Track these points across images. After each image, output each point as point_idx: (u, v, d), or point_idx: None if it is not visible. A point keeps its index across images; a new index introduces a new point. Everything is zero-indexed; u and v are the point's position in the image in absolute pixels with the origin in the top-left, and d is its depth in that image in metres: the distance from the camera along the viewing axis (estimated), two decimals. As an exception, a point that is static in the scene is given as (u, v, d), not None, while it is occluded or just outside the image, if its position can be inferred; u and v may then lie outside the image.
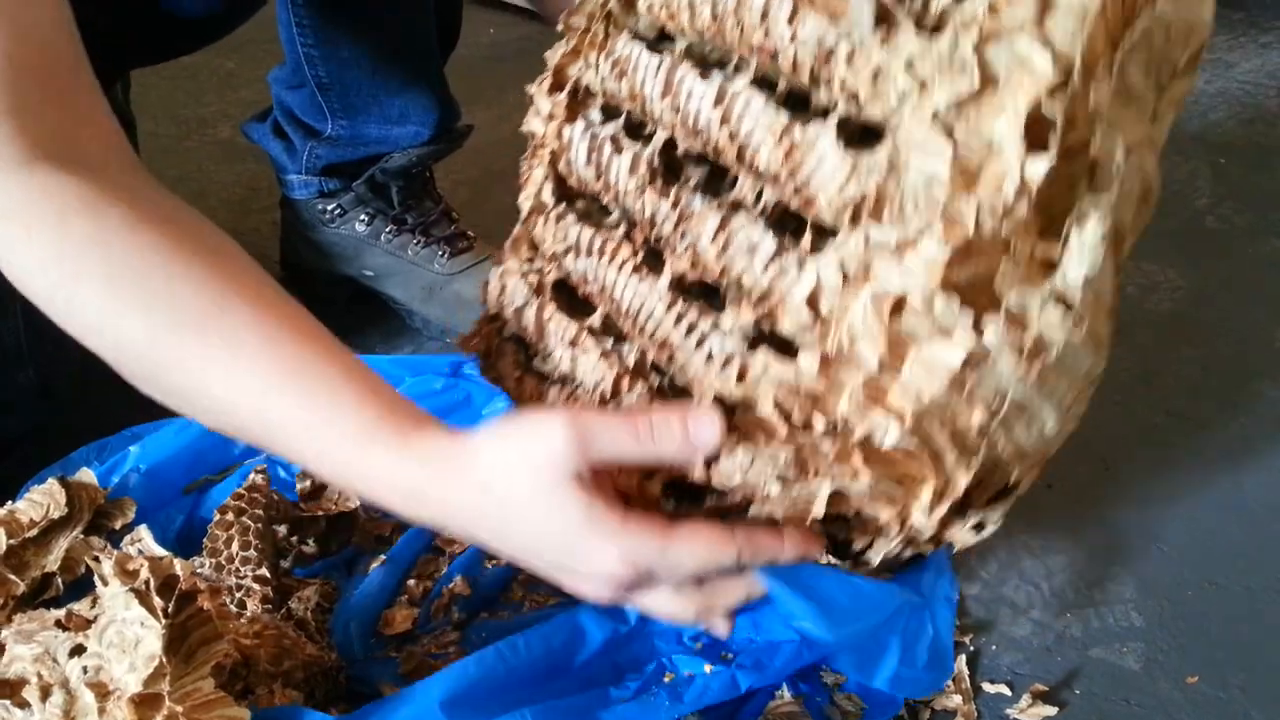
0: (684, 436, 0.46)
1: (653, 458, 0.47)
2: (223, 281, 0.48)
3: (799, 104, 0.47)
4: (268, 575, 0.63)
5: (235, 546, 0.62)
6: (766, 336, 0.49)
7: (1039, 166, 0.43)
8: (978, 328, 0.46)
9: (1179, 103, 0.50)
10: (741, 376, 0.48)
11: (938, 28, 0.43)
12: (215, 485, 0.73)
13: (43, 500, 0.62)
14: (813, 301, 0.46)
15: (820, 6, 0.45)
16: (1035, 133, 0.43)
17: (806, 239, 0.47)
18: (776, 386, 0.48)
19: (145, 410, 0.54)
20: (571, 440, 0.45)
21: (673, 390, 0.51)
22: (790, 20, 0.46)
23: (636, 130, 0.55)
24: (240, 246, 0.53)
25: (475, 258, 1.00)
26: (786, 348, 0.48)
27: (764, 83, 0.49)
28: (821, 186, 0.46)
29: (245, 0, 0.87)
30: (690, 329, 0.50)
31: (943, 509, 0.52)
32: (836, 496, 0.50)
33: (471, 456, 0.47)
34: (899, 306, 0.45)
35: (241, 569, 0.62)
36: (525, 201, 0.60)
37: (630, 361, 0.53)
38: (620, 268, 0.53)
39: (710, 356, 0.49)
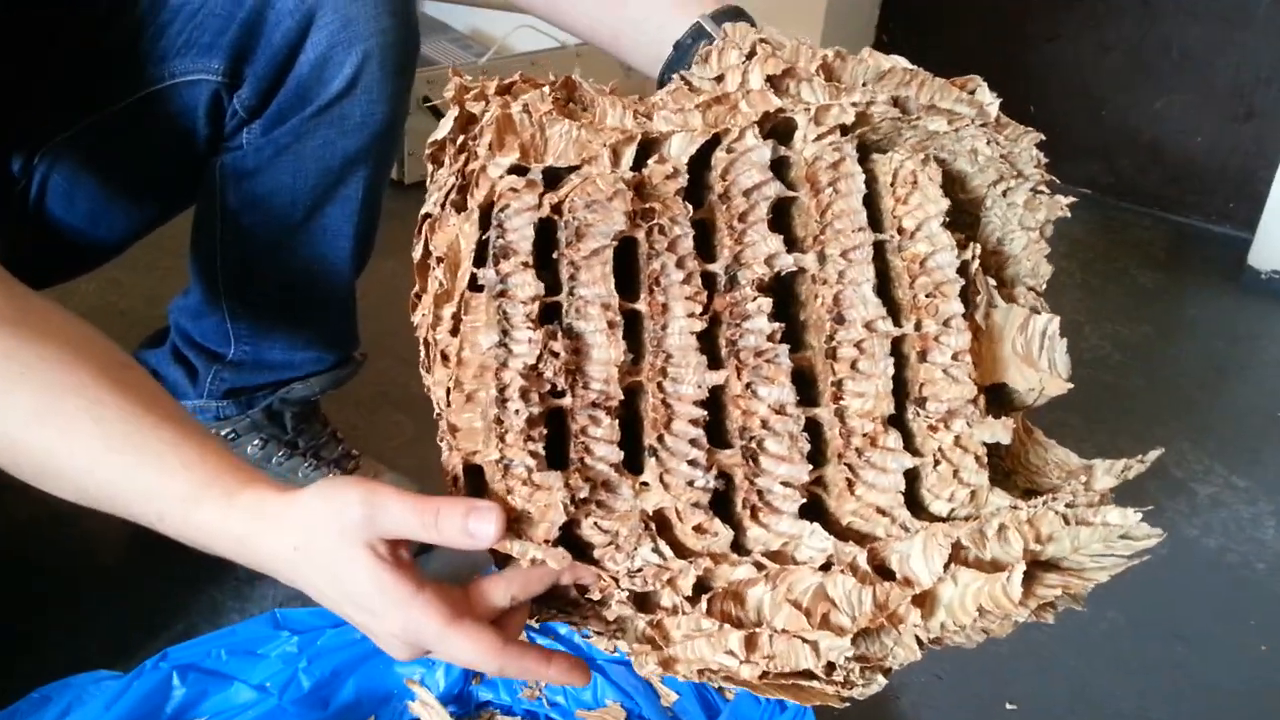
0: (464, 529, 0.49)
1: (436, 541, 0.50)
2: (72, 361, 0.53)
3: (898, 398, 0.56)
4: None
5: None
6: (726, 505, 0.54)
7: (950, 629, 0.52)
8: (829, 668, 0.52)
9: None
10: (699, 531, 0.52)
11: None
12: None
13: None
14: (787, 545, 0.53)
15: (975, 354, 0.57)
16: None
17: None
18: (709, 558, 0.52)
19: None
20: (362, 515, 0.49)
21: (630, 444, 0.53)
22: (955, 355, 0.56)
23: (788, 221, 0.58)
24: (87, 325, 0.57)
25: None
26: (735, 542, 0.53)
27: (898, 350, 0.57)
28: (865, 491, 0.54)
29: (156, 222, 0.93)
30: (695, 440, 0.53)
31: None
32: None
33: (288, 516, 0.51)
34: (825, 616, 0.52)
35: None
36: (662, 121, 0.58)
37: (627, 382, 0.53)
38: (689, 315, 0.54)
39: (692, 483, 0.53)
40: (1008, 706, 0.91)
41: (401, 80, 0.87)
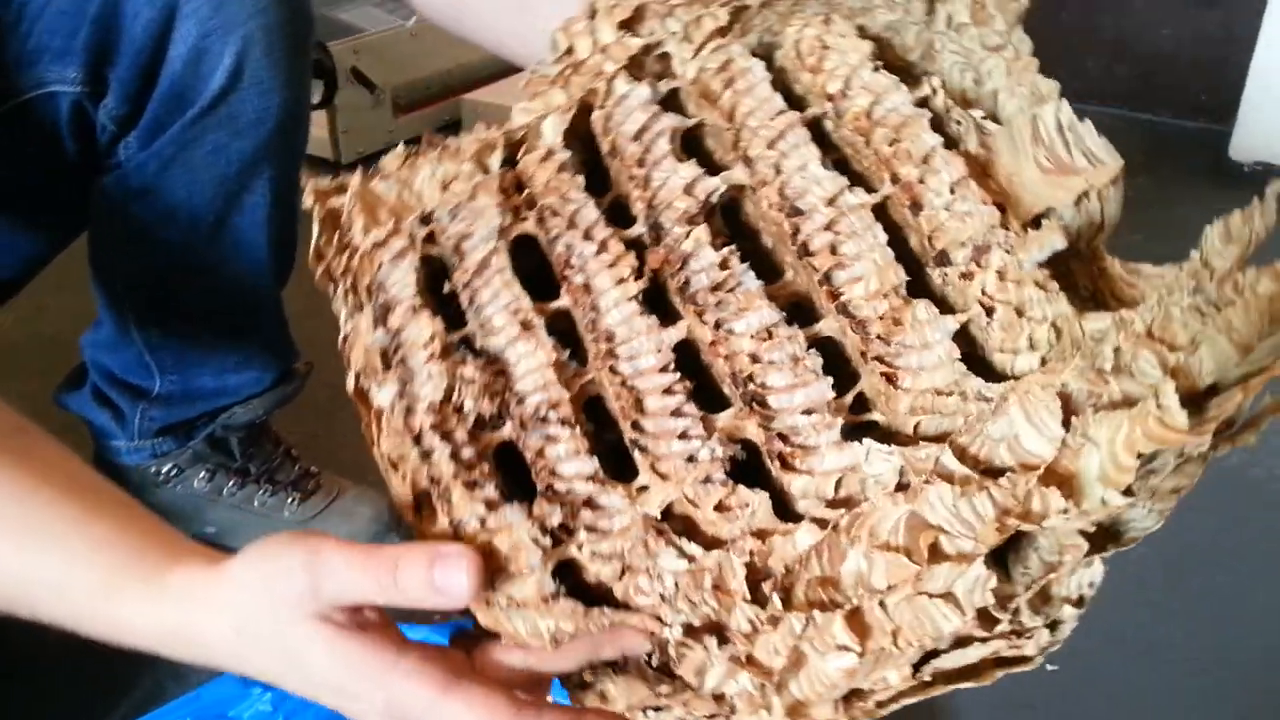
0: (429, 583, 0.41)
1: (399, 604, 0.42)
2: None
3: (911, 268, 0.44)
4: None
5: None
6: (755, 470, 0.42)
7: (1118, 501, 0.37)
8: (988, 620, 0.39)
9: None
10: (721, 509, 0.41)
11: (1104, 304, 0.41)
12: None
13: None
14: (845, 483, 0.41)
15: (994, 193, 0.43)
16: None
17: (857, 411, 0.42)
18: (753, 537, 0.41)
19: None
20: (305, 584, 0.41)
21: (616, 455, 0.43)
22: (952, 189, 0.43)
23: (703, 150, 0.48)
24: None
25: (326, 498, 0.97)
26: (780, 506, 0.42)
27: (886, 219, 0.44)
28: (913, 379, 0.41)
29: (49, 254, 0.84)
30: (676, 411, 0.43)
31: None
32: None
33: (219, 594, 0.43)
34: (935, 547, 0.39)
35: None
36: (521, 113, 0.51)
37: (577, 386, 0.44)
38: (618, 282, 0.45)
39: (692, 459, 0.42)
40: (1048, 666, 0.84)
41: (295, 65, 0.77)
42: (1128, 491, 0.37)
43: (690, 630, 0.41)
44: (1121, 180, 0.43)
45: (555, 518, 0.42)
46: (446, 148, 0.50)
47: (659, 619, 0.41)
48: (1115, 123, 1.98)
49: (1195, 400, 0.37)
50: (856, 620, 0.39)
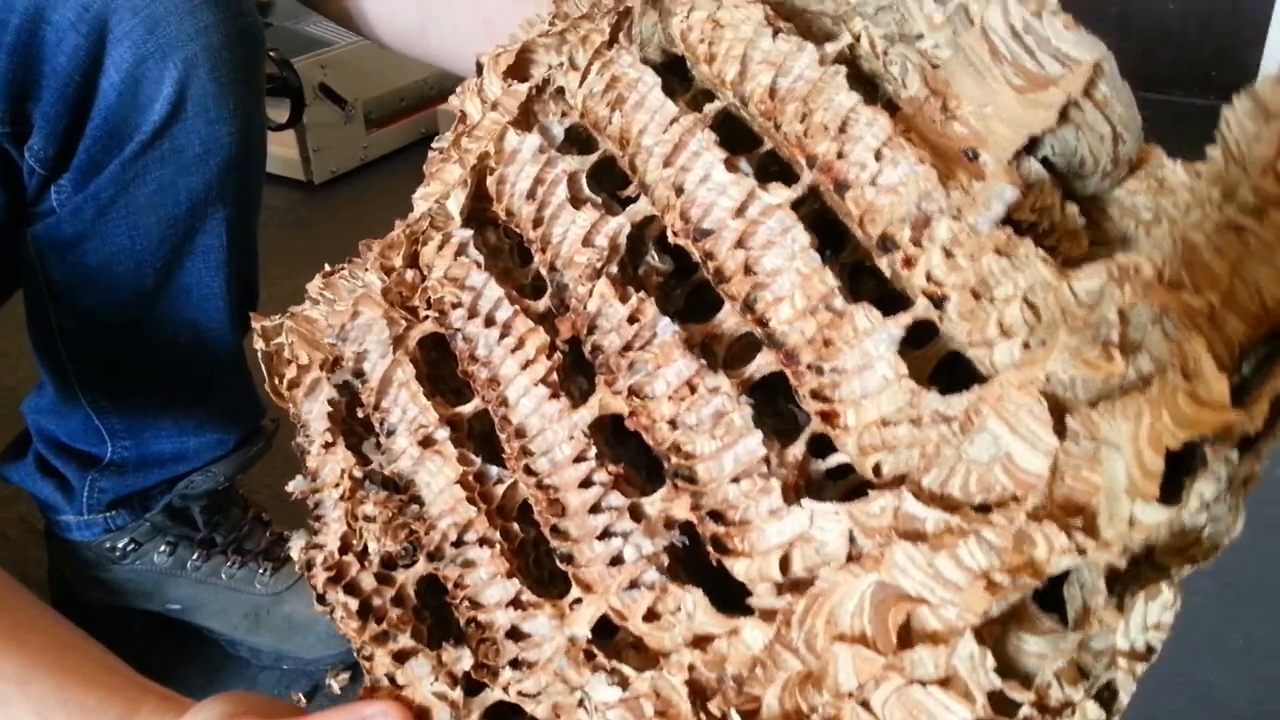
0: None
1: None
2: None
3: (851, 265, 0.37)
4: None
5: None
6: (693, 557, 0.36)
7: (1155, 517, 0.28)
8: (1001, 709, 0.30)
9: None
10: (652, 617, 0.35)
11: (1077, 259, 0.31)
12: None
13: None
14: (795, 558, 0.33)
15: (931, 153, 0.34)
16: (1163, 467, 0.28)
17: (807, 462, 0.34)
18: (692, 647, 0.34)
19: None
20: None
21: (546, 566, 0.39)
22: (878, 155, 0.34)
23: (606, 179, 0.42)
24: None
25: (303, 566, 0.88)
26: (724, 595, 0.35)
27: (812, 213, 0.37)
28: (855, 403, 0.33)
29: None
30: (596, 506, 0.37)
31: None
32: None
33: None
34: (908, 622, 0.31)
35: None
36: (421, 200, 0.46)
37: (497, 497, 0.39)
38: (525, 367, 0.40)
39: (617, 560, 0.36)
40: None
41: (244, 89, 0.68)
42: (1170, 498, 0.28)
43: None
44: (1112, 73, 0.33)
45: (465, 662, 0.37)
46: (354, 260, 0.46)
47: None
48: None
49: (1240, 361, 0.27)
50: None
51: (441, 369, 0.43)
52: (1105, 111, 0.33)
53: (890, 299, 0.35)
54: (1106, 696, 0.31)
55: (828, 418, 0.34)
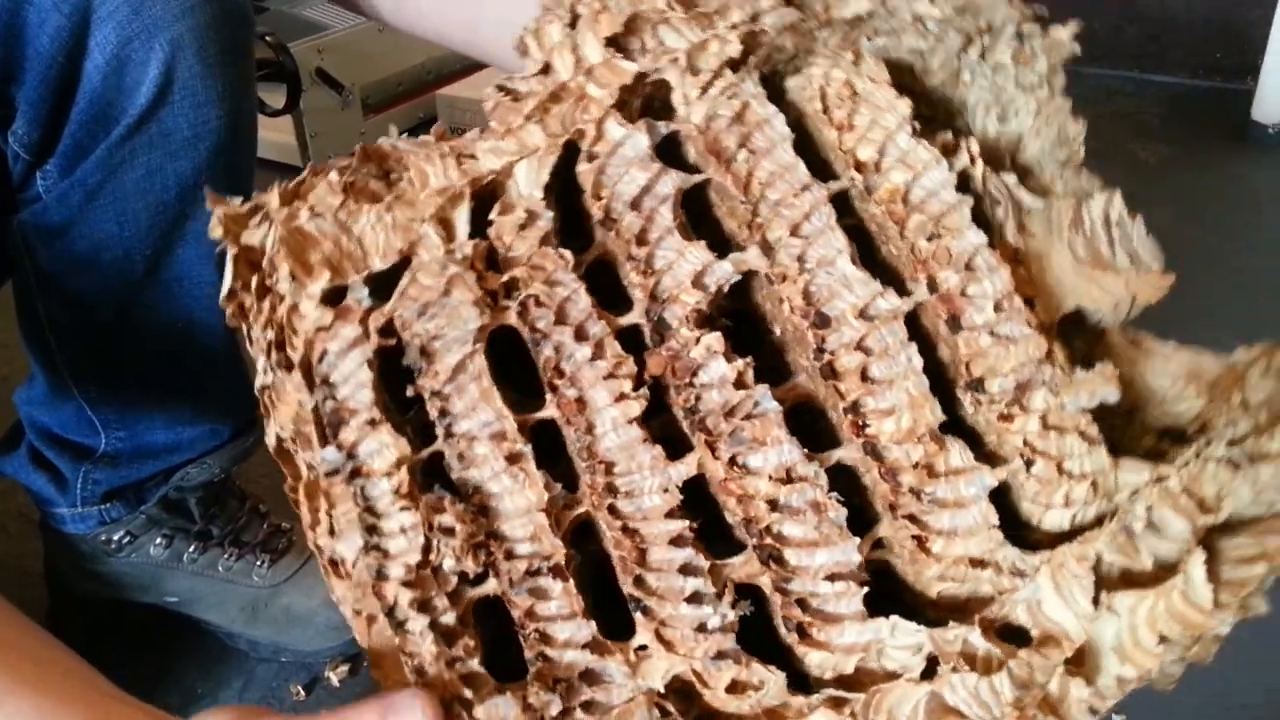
0: None
1: None
2: None
3: (939, 389, 0.40)
4: None
5: None
6: (761, 626, 0.39)
7: (1131, 677, 0.37)
8: None
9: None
10: (735, 689, 0.38)
11: (1161, 456, 0.38)
12: None
13: None
14: (864, 659, 0.38)
15: (1039, 323, 0.39)
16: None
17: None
18: (765, 716, 0.38)
19: None
20: None
21: (601, 595, 0.39)
22: (998, 306, 0.38)
23: (702, 207, 0.42)
24: None
25: (300, 557, 0.86)
26: (793, 675, 0.38)
27: (916, 328, 0.40)
28: (945, 543, 0.38)
29: None
30: (685, 568, 0.38)
31: None
32: None
33: None
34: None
35: None
36: (491, 155, 0.42)
37: (567, 522, 0.38)
38: (617, 399, 0.39)
39: (704, 628, 0.38)
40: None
41: (233, 71, 0.66)
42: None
43: None
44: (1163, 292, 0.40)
45: (554, 708, 0.37)
46: (399, 194, 0.41)
47: None
48: (1126, 85, 1.87)
49: (1217, 537, 0.37)
50: None
51: (503, 365, 0.41)
52: (1129, 316, 0.40)
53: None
54: None
55: (920, 541, 0.38)
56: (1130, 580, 0.37)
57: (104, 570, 0.84)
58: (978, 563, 0.38)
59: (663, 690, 0.38)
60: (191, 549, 0.84)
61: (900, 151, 0.40)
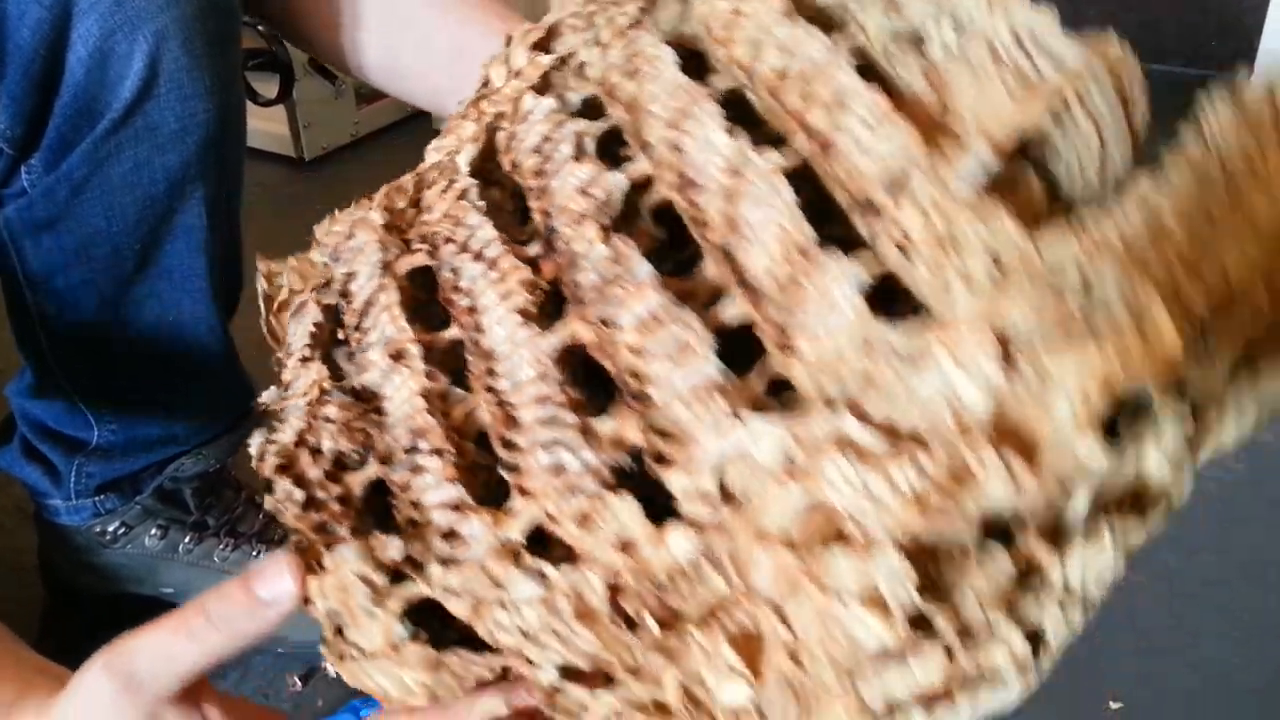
0: (250, 604, 0.37)
1: (229, 646, 0.38)
2: None
3: (825, 216, 0.37)
4: None
5: None
6: (639, 480, 0.37)
7: (1096, 460, 0.29)
8: (920, 626, 0.31)
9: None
10: (584, 522, 0.35)
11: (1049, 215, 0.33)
12: None
13: None
14: (731, 475, 0.34)
15: (916, 123, 0.35)
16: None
17: (755, 383, 0.35)
18: (620, 550, 0.35)
19: None
20: (114, 687, 0.38)
21: (495, 490, 0.38)
22: (868, 123, 0.36)
23: (610, 146, 0.43)
24: None
25: (297, 547, 0.87)
26: (661, 511, 0.35)
27: (799, 175, 0.37)
28: (813, 339, 0.34)
29: None
30: (550, 420, 0.37)
31: None
32: None
33: None
34: (836, 536, 0.31)
35: None
36: (434, 153, 0.47)
37: (458, 417, 0.39)
38: (505, 297, 0.40)
39: (560, 470, 0.36)
40: (1112, 705, 0.75)
41: (220, 62, 0.66)
42: (1114, 432, 0.29)
43: (570, 674, 0.36)
44: (1106, 90, 0.34)
45: (393, 550, 0.37)
46: (361, 201, 0.45)
47: (528, 660, 0.36)
48: (1123, 75, 1.86)
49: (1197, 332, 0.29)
50: (749, 640, 0.32)
51: (430, 307, 0.43)
52: (1097, 122, 0.34)
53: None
54: (1035, 637, 0.32)
55: (784, 349, 0.35)
56: (1063, 345, 0.30)
57: (99, 562, 0.84)
58: (848, 355, 0.33)
59: (523, 541, 0.36)
60: (187, 540, 0.84)
61: (777, 40, 0.40)
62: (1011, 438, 0.30)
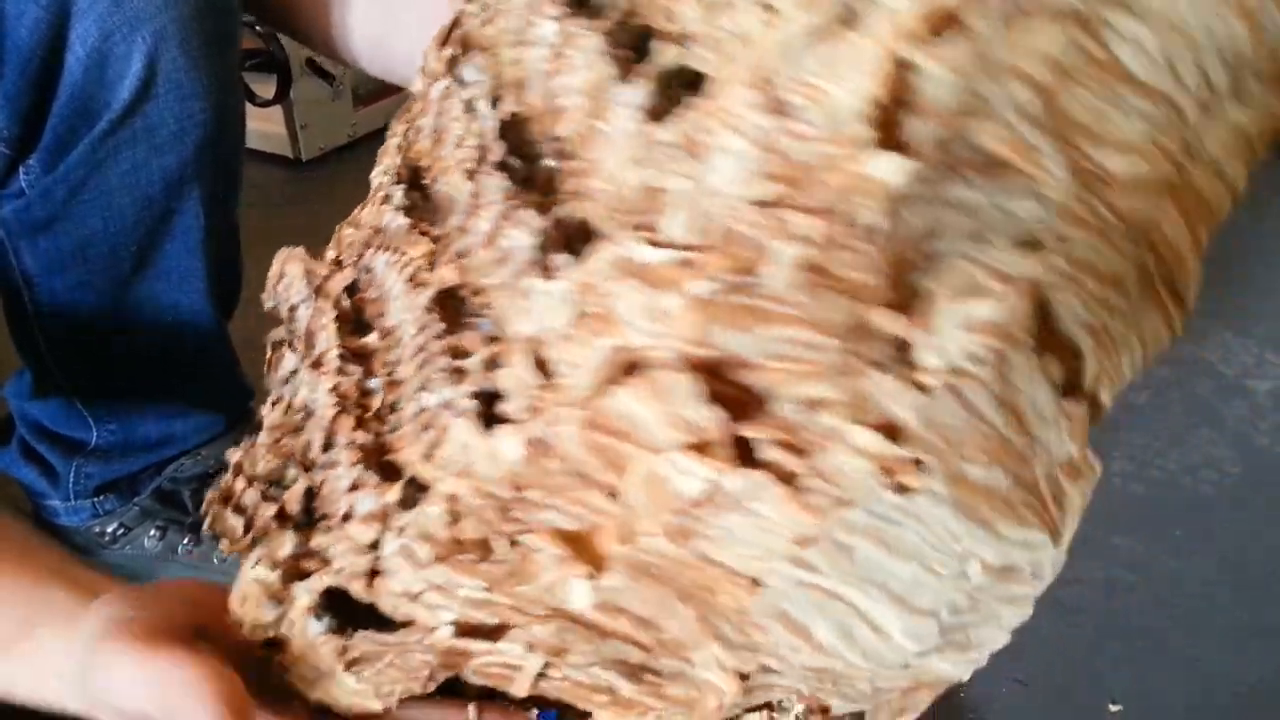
0: None
1: None
2: None
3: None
4: None
5: None
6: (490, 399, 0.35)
7: (891, 168, 0.26)
8: (740, 447, 0.28)
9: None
10: (430, 454, 0.34)
11: None
12: None
13: None
14: (538, 347, 0.31)
15: None
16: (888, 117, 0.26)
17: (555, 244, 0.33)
18: (461, 475, 0.33)
19: None
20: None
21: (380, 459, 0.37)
22: None
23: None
24: None
25: (295, 548, 0.87)
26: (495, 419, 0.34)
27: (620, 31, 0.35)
28: (603, 174, 0.33)
29: None
30: (422, 367, 0.36)
31: None
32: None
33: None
34: (629, 369, 0.29)
35: None
36: (375, 179, 0.45)
37: (372, 405, 0.38)
38: (402, 269, 0.39)
39: (420, 410, 0.35)
40: (1111, 708, 0.75)
41: (218, 63, 0.66)
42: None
43: (466, 630, 0.35)
44: None
45: (287, 547, 0.36)
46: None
47: (428, 627, 0.35)
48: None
49: None
50: (578, 533, 0.31)
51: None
52: None
53: None
54: (891, 428, 0.29)
55: (580, 196, 0.33)
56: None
57: (98, 563, 0.84)
58: (621, 171, 0.32)
59: (400, 499, 0.35)
60: (186, 541, 0.84)
61: None
62: (798, 183, 0.27)
